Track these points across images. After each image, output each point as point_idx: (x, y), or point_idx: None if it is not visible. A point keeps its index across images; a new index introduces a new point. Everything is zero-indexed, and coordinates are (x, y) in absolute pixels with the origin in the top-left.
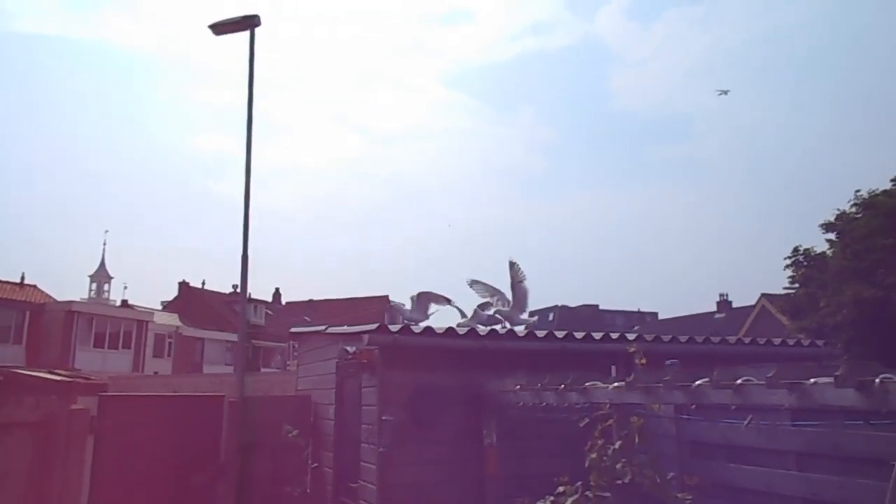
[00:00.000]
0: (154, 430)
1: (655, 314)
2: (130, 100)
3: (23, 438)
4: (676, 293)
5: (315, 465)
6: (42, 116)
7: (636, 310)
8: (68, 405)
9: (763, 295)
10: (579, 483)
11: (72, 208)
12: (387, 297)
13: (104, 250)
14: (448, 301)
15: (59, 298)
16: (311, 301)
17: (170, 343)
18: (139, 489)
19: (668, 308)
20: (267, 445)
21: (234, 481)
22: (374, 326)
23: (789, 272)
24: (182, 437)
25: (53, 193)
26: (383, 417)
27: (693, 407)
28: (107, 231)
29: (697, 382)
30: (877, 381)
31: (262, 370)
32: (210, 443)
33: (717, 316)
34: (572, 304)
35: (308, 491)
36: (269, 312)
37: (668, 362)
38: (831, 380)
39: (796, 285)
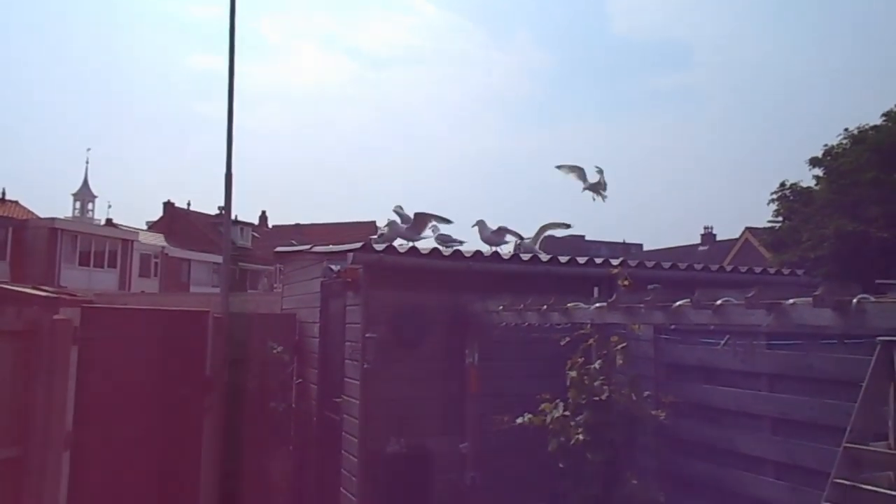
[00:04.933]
0: (139, 342)
1: (640, 245)
2: (116, 15)
3: (5, 346)
4: (662, 226)
5: (300, 380)
6: (19, 28)
7: (621, 241)
8: (51, 315)
9: (747, 228)
10: (558, 401)
11: (52, 125)
12: (374, 222)
13: (87, 169)
14: (448, 221)
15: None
16: (298, 225)
17: (156, 263)
18: (127, 400)
19: (652, 240)
20: (252, 362)
21: (222, 395)
22: (358, 245)
23: (774, 206)
24: (168, 351)
25: (32, 110)
26: (367, 335)
27: (672, 328)
28: (89, 149)
29: (678, 303)
30: (854, 301)
31: (249, 292)
32: (196, 357)
33: (701, 248)
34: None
35: (293, 405)
36: (256, 235)
37: (650, 286)
38: (810, 300)
39: (780, 219)
